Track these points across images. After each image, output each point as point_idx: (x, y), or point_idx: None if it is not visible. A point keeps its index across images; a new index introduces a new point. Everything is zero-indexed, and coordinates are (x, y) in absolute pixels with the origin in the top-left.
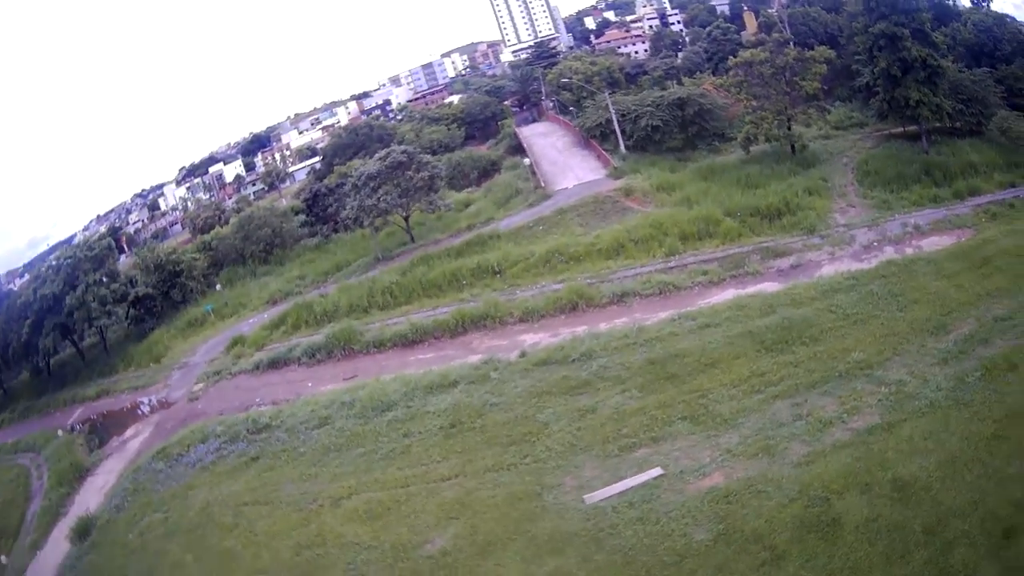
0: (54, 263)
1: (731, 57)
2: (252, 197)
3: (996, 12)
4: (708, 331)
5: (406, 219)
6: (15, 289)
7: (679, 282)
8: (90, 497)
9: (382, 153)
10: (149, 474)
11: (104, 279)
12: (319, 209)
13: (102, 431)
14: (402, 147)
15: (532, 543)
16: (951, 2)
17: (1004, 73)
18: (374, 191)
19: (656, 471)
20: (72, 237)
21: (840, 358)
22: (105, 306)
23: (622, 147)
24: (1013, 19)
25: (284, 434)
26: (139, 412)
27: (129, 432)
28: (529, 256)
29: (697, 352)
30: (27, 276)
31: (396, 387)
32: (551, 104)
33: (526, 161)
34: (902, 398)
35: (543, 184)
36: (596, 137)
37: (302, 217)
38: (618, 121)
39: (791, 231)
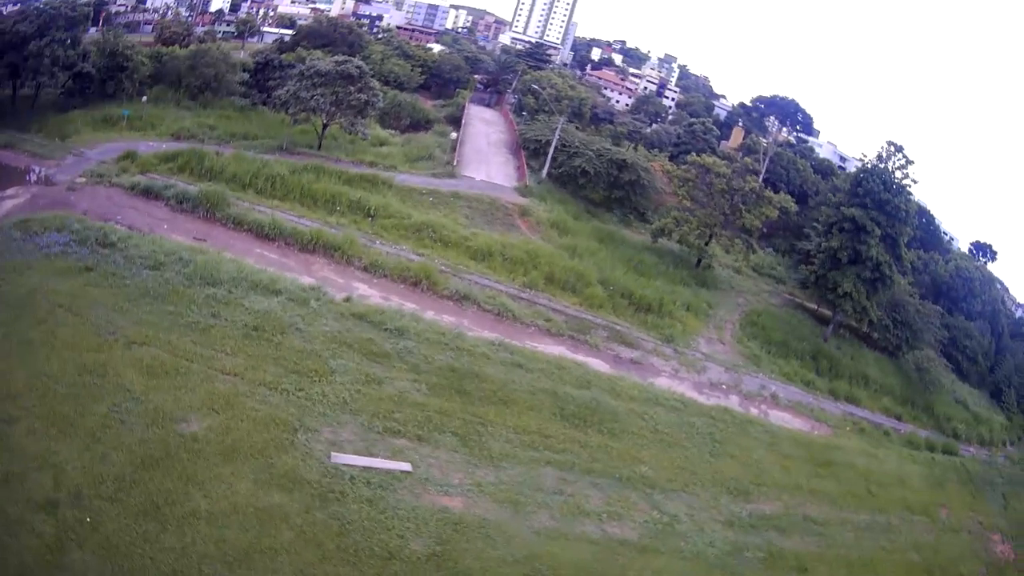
0: (41, 6)
1: (694, 154)
2: (219, 35)
3: (988, 271)
4: (519, 371)
5: (324, 127)
6: (3, 13)
7: (520, 314)
8: None
9: (340, 58)
10: (5, 239)
11: (68, 41)
12: (262, 77)
13: None
14: (359, 63)
15: (269, 470)
16: (946, 236)
17: (958, 323)
18: (314, 87)
19: (406, 465)
20: None
21: (628, 464)
22: (54, 67)
23: (545, 171)
24: (1003, 286)
25: (122, 260)
26: (26, 177)
27: (10, 191)
28: (406, 217)
29: (499, 384)
30: (18, 6)
31: (230, 269)
32: (512, 100)
33: (453, 134)
34: (669, 533)
35: (455, 163)
36: (528, 149)
37: (246, 75)
38: (556, 148)
39: (650, 330)
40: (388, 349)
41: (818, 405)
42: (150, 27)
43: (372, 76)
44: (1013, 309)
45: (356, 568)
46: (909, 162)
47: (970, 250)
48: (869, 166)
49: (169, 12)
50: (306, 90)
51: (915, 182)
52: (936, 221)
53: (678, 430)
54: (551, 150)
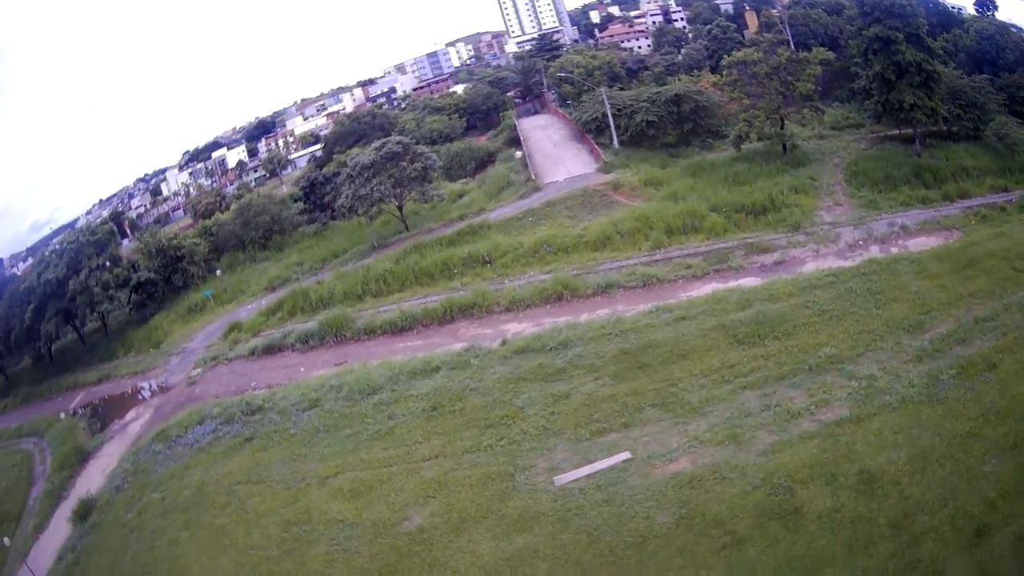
0: (57, 247)
1: (725, 56)
2: (253, 183)
3: (1000, 21)
4: (683, 323)
5: (400, 208)
6: (18, 274)
7: (663, 275)
8: (91, 479)
9: (378, 143)
10: (148, 455)
11: (107, 264)
12: (317, 197)
13: (103, 415)
14: (397, 138)
15: (502, 521)
16: (955, 9)
17: (1006, 81)
18: (368, 180)
19: (624, 455)
20: (75, 221)
21: (812, 352)
22: (107, 291)
23: (615, 142)
24: (1018, 28)
25: (276, 416)
26: (139, 396)
27: (130, 415)
28: (518, 247)
29: (671, 343)
30: (30, 260)
31: (382, 372)
32: (553, 97)
33: (518, 154)
34: (872, 393)
35: (535, 177)
36: (591, 131)
37: (300, 204)
38: (613, 116)
39: (776, 228)
40: (561, 364)
41: (941, 215)
42: (180, 211)
43: (416, 142)
44: None
45: (615, 566)
46: None
47: (976, 10)
48: None
49: (191, 189)
50: (363, 186)
51: None
52: (940, 1)
53: (839, 300)
54: (610, 120)
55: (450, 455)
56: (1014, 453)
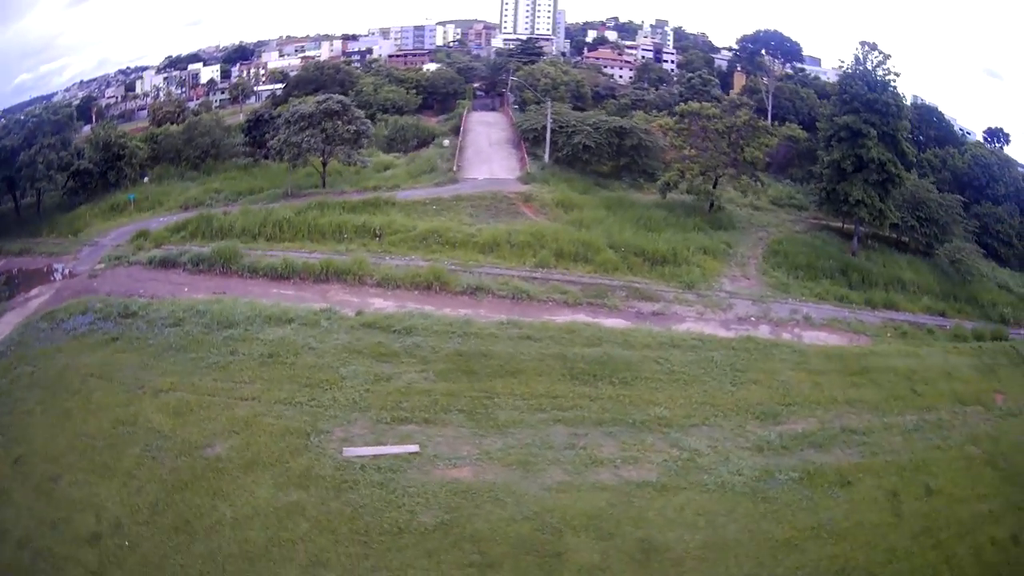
0: (22, 118)
1: (682, 104)
2: (215, 104)
3: (1004, 154)
4: (526, 343)
5: (324, 164)
6: None
7: (535, 293)
8: None
9: (321, 97)
10: (33, 332)
11: (58, 144)
12: (257, 133)
13: (13, 286)
14: (339, 97)
15: (286, 473)
16: (961, 131)
17: (986, 210)
18: (302, 130)
19: (413, 447)
20: (53, 94)
21: (642, 408)
22: (49, 171)
23: (547, 156)
24: (1021, 170)
25: (144, 325)
26: (48, 276)
27: (34, 292)
28: (411, 229)
29: (505, 358)
30: (2, 122)
31: (244, 310)
32: (512, 99)
33: (446, 142)
34: (691, 467)
35: (456, 168)
36: (529, 140)
37: (243, 137)
38: (554, 131)
39: (669, 280)
40: (396, 348)
41: (855, 318)
42: (145, 112)
43: (359, 107)
44: None
45: (367, 547)
46: (887, 57)
47: (985, 138)
48: (850, 71)
49: (160, 94)
50: (295, 134)
51: (898, 75)
52: (948, 118)
53: (695, 367)
54: (547, 134)
55: (265, 401)
56: None
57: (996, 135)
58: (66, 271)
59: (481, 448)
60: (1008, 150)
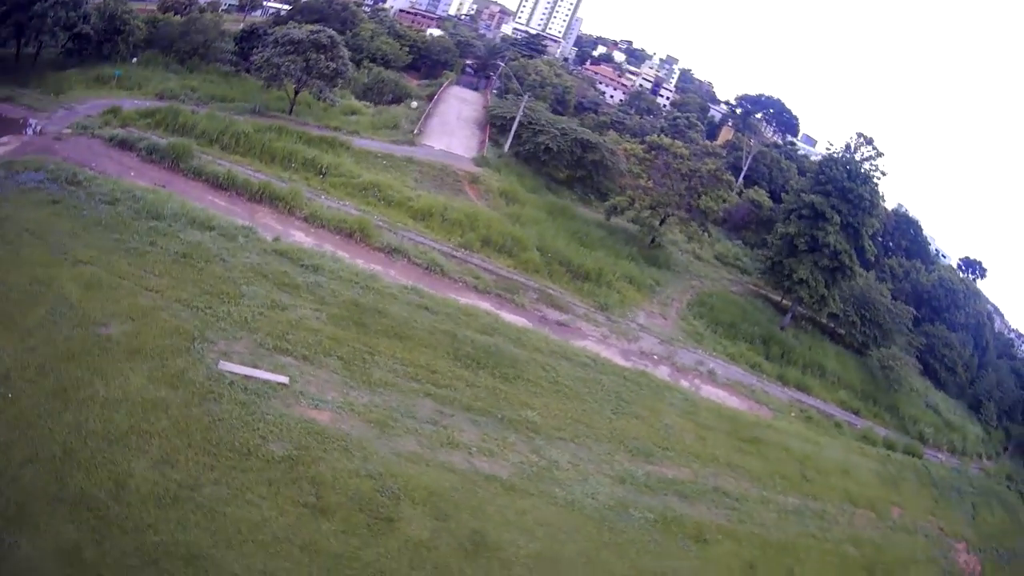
0: None
1: (655, 135)
2: (223, 6)
3: (974, 286)
4: (422, 313)
5: (296, 92)
6: None
7: (448, 269)
8: None
9: (313, 27)
10: None
11: (70, 3)
12: (247, 46)
13: None
14: (330, 32)
15: (161, 369)
16: (935, 250)
17: (937, 332)
18: (286, 54)
19: (284, 379)
20: None
21: (515, 409)
22: (55, 27)
23: (507, 145)
24: (993, 307)
25: (84, 196)
26: (22, 128)
27: (4, 139)
28: (355, 177)
29: (398, 321)
30: None
31: (174, 206)
32: (498, 84)
33: (414, 104)
34: (545, 477)
35: (417, 133)
36: (496, 127)
37: (233, 45)
38: (522, 125)
39: (585, 297)
40: (299, 281)
41: (762, 388)
42: None
43: (351, 49)
44: (1005, 330)
45: (215, 458)
46: (879, 154)
47: (959, 265)
48: (836, 155)
49: None
50: (279, 56)
51: (883, 174)
52: (925, 234)
53: (581, 384)
54: (514, 125)
55: (166, 297)
56: None
57: (972, 266)
58: (38, 127)
59: (347, 398)
60: (981, 284)
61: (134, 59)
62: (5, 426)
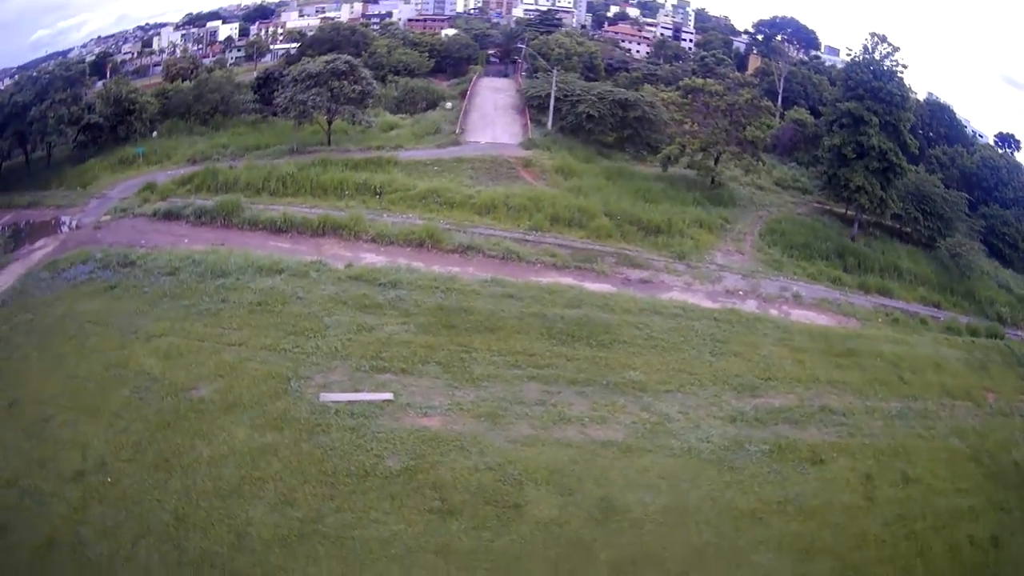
0: (35, 75)
1: (687, 79)
2: (231, 62)
3: (1015, 159)
4: (508, 301)
5: (329, 123)
6: (1, 88)
7: (525, 254)
8: None
9: (328, 57)
10: (35, 281)
11: (69, 100)
12: (266, 91)
13: (20, 237)
14: (346, 57)
15: (264, 415)
16: (972, 132)
17: (993, 212)
18: (308, 88)
19: (388, 395)
20: (70, 50)
21: (617, 371)
22: (60, 125)
23: (550, 124)
24: None
25: (141, 273)
26: (55, 228)
27: (40, 243)
28: (411, 188)
29: (486, 315)
30: (16, 78)
31: (238, 260)
32: (525, 67)
33: (448, 104)
34: (659, 431)
35: (459, 131)
36: (534, 107)
37: (252, 94)
38: (558, 100)
39: (661, 250)
40: (381, 300)
41: (846, 300)
42: (159, 68)
43: (372, 69)
44: None
45: (333, 487)
46: (895, 49)
47: (996, 142)
48: (857, 59)
49: (176, 50)
50: (302, 92)
51: (905, 67)
52: (960, 119)
53: (676, 334)
54: (552, 101)
55: (251, 346)
56: (800, 558)
57: (1007, 140)
58: (72, 223)
59: (453, 399)
60: (1019, 156)
61: (154, 133)
62: (110, 509)
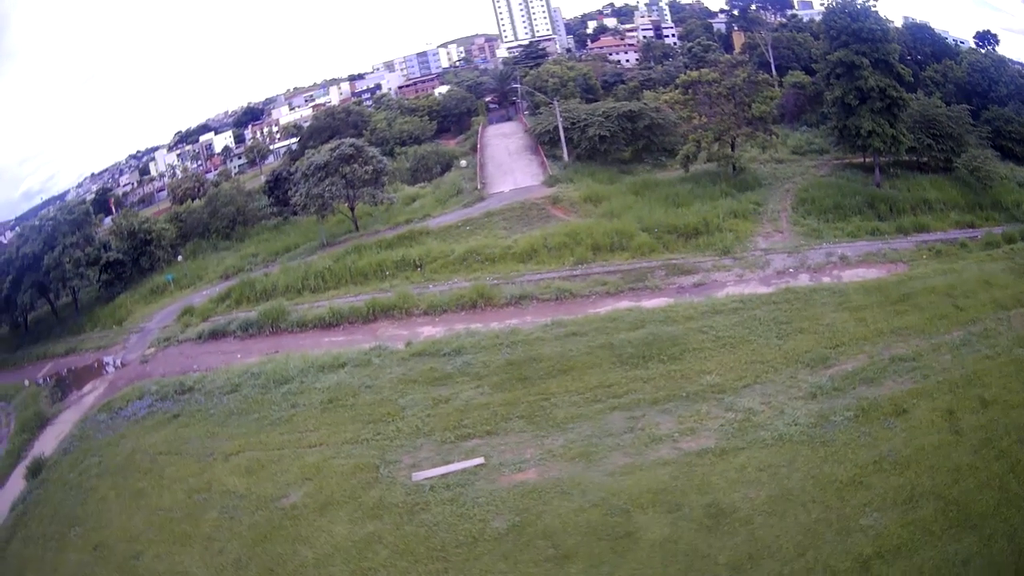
0: (37, 223)
1: (682, 74)
2: (235, 171)
3: (997, 55)
4: (573, 339)
5: (351, 209)
6: (4, 242)
7: (577, 290)
8: (47, 443)
9: (332, 144)
10: (93, 424)
11: (80, 242)
12: (280, 192)
13: (65, 385)
14: (351, 141)
15: (360, 508)
16: (954, 41)
17: (994, 114)
18: (321, 180)
19: (478, 460)
20: (65, 193)
21: (694, 379)
22: (78, 268)
23: (566, 155)
24: (1018, 64)
25: (202, 397)
26: (99, 370)
27: (87, 387)
28: (449, 254)
29: (556, 358)
30: (17, 229)
31: (297, 363)
32: (525, 105)
33: (462, 162)
34: (747, 427)
35: (481, 186)
36: (545, 143)
37: (266, 198)
38: (567, 129)
39: (705, 250)
40: (449, 370)
41: (889, 247)
42: (164, 192)
43: (375, 144)
44: None
45: (445, 561)
46: None
47: (976, 43)
48: (832, 5)
49: (176, 171)
50: (315, 186)
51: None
52: (939, 32)
53: (740, 328)
54: (561, 133)
55: (332, 444)
56: (904, 509)
57: (985, 38)
58: (117, 362)
59: (544, 448)
60: (1000, 51)
61: (179, 257)
62: None
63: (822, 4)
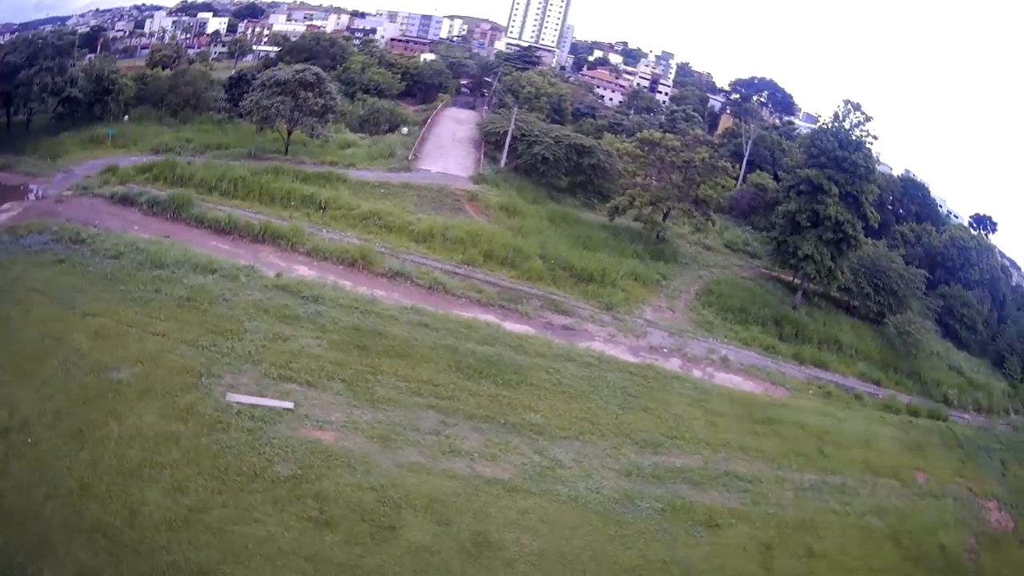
0: (30, 37)
1: (645, 131)
2: (213, 55)
3: (987, 241)
4: (423, 331)
5: (289, 133)
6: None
7: (451, 287)
8: None
9: (298, 67)
10: None
11: (55, 68)
12: (237, 92)
13: None
14: (315, 69)
15: (172, 405)
16: (946, 211)
17: (953, 292)
18: (274, 95)
19: (289, 404)
20: (68, 18)
21: (518, 411)
22: (42, 93)
23: (503, 159)
24: (1011, 262)
25: (89, 252)
26: (22, 194)
27: (6, 206)
28: (354, 208)
29: (398, 341)
30: (14, 36)
31: (177, 254)
32: (495, 101)
33: (404, 130)
34: (548, 475)
35: (413, 158)
36: (491, 143)
37: (224, 93)
38: (516, 139)
39: (590, 299)
40: (300, 313)
41: (777, 368)
42: (147, 51)
43: (344, 83)
44: (1022, 283)
45: (223, 483)
46: (868, 119)
47: (971, 223)
48: (826, 126)
49: (166, 36)
50: (267, 98)
51: (875, 138)
52: (935, 198)
53: (586, 384)
54: (507, 139)
55: (172, 339)
56: None
57: (983, 222)
58: (39, 192)
59: (350, 417)
60: (994, 239)
61: (126, 117)
62: (27, 468)
63: (818, 118)
